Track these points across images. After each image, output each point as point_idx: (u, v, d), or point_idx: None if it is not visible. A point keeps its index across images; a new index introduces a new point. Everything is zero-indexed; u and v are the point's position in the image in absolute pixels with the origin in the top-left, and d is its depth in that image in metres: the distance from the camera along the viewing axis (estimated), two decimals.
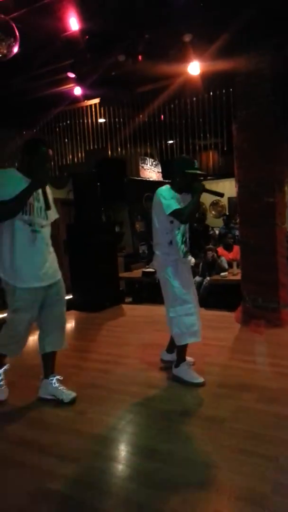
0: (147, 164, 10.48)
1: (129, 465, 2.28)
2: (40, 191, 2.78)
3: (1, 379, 3.03)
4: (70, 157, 6.84)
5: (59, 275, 2.96)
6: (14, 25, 3.41)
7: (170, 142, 6.30)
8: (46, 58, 4.53)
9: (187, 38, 4.13)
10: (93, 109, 5.92)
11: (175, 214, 2.99)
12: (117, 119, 6.02)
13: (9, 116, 5.99)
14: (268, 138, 4.49)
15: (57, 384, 3.00)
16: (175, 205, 2.99)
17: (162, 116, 5.77)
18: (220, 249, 7.89)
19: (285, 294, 4.61)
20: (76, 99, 5.58)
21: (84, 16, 3.83)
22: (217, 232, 10.55)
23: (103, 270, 6.04)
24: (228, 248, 7.85)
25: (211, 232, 10.57)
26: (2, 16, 3.38)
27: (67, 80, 4.92)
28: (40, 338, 3.00)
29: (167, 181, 3.24)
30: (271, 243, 4.54)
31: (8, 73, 4.58)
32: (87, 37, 4.09)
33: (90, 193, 6.20)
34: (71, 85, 5.10)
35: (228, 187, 9.20)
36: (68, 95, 5.38)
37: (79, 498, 1.98)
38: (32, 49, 4.12)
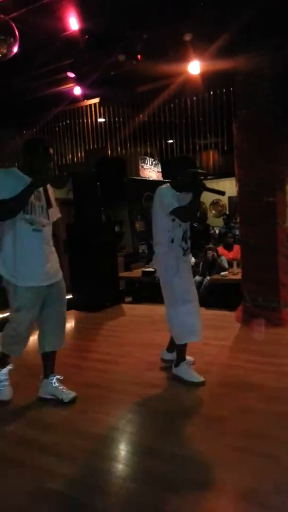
0: (147, 164, 10.48)
1: (129, 464, 2.28)
2: (41, 190, 2.78)
3: (6, 379, 3.02)
4: (70, 156, 6.84)
5: (60, 275, 2.96)
6: (13, 25, 3.41)
7: (170, 141, 6.30)
8: (45, 58, 4.53)
9: (187, 37, 4.13)
10: (93, 109, 5.92)
11: (177, 212, 2.99)
12: (117, 119, 6.02)
13: (9, 116, 5.98)
14: (268, 138, 4.49)
15: (57, 384, 3.00)
16: (176, 204, 2.99)
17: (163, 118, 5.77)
18: (220, 249, 7.89)
19: (286, 294, 4.60)
20: (75, 99, 5.57)
21: (84, 15, 3.83)
22: (217, 231, 10.55)
23: (103, 270, 6.04)
24: (228, 247, 7.85)
25: (212, 232, 10.57)
26: (2, 16, 3.38)
27: (67, 79, 4.92)
28: (40, 338, 3.00)
29: (167, 180, 3.24)
30: (271, 242, 4.54)
31: (8, 73, 4.58)
32: (86, 36, 4.09)
33: (90, 192, 6.21)
34: (71, 84, 5.10)
35: (228, 187, 9.19)
36: (67, 95, 5.38)
37: (79, 498, 1.98)
38: (32, 49, 4.11)
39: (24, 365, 3.32)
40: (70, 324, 5.16)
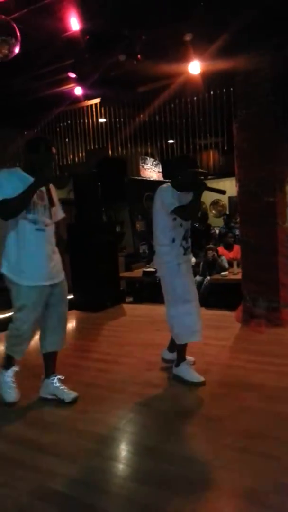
0: (147, 164, 10.48)
1: (129, 464, 2.29)
2: (44, 189, 2.78)
3: (12, 381, 2.98)
4: (71, 157, 6.84)
5: (63, 275, 2.97)
6: (15, 25, 3.41)
7: (171, 141, 6.30)
8: (47, 58, 4.53)
9: (187, 37, 4.13)
10: (94, 109, 5.93)
11: (178, 211, 3.00)
12: (117, 119, 6.02)
13: (10, 116, 5.99)
14: (268, 138, 4.50)
15: (58, 384, 3.01)
16: (177, 203, 3.00)
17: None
18: (221, 249, 7.90)
19: (286, 294, 4.61)
20: (76, 99, 5.58)
21: (85, 16, 3.83)
22: (217, 231, 10.56)
23: (104, 270, 6.05)
24: (229, 247, 7.86)
25: (212, 231, 10.57)
26: (3, 16, 3.38)
27: (68, 80, 4.92)
28: (42, 338, 3.00)
29: (167, 180, 3.25)
30: (271, 242, 4.54)
31: (9, 73, 4.58)
32: (87, 37, 4.09)
33: (90, 193, 6.21)
34: (72, 85, 5.10)
35: (228, 186, 9.19)
36: (68, 95, 5.39)
37: (79, 498, 1.98)
38: (33, 50, 4.12)
39: (25, 365, 3.32)
40: (71, 324, 5.17)
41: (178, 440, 2.45)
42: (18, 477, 2.18)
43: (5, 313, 4.87)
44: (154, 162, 10.73)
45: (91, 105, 5.90)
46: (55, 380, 3.01)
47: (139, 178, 10.13)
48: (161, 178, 10.74)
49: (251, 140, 4.58)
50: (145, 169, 10.40)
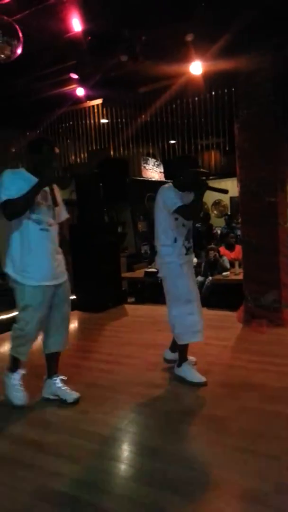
0: (149, 164, 10.49)
1: (132, 464, 2.29)
2: (48, 189, 2.80)
3: (20, 384, 2.96)
4: (73, 157, 6.86)
5: (66, 276, 2.97)
6: (17, 26, 3.42)
7: (172, 142, 6.31)
8: (49, 59, 4.54)
9: (189, 38, 4.14)
10: (96, 110, 5.94)
11: (180, 211, 3.00)
12: (119, 120, 6.04)
13: (12, 116, 6.01)
14: (269, 138, 4.50)
15: (60, 384, 3.01)
16: (179, 202, 3.00)
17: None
18: (222, 249, 7.90)
19: (287, 294, 4.61)
20: (78, 100, 5.60)
21: (87, 17, 3.84)
22: (218, 231, 10.56)
23: (106, 270, 6.05)
24: (230, 247, 7.86)
25: (214, 231, 10.58)
26: (6, 18, 3.39)
27: (70, 81, 4.94)
28: (45, 338, 3.01)
29: (169, 181, 3.25)
30: (273, 242, 4.54)
31: (11, 74, 4.60)
32: (89, 38, 4.10)
33: (92, 193, 6.22)
34: (74, 86, 5.12)
35: (230, 187, 9.19)
36: (70, 96, 5.40)
37: (82, 498, 1.99)
38: (35, 51, 4.13)
39: (27, 365, 3.33)
40: (73, 325, 5.17)
41: (179, 440, 2.46)
42: (20, 477, 2.19)
43: (8, 313, 4.89)
44: (156, 163, 10.73)
45: (93, 106, 5.92)
46: (58, 381, 3.02)
47: (141, 178, 10.13)
48: (163, 179, 10.74)
49: (252, 140, 4.58)
50: (147, 169, 10.41)
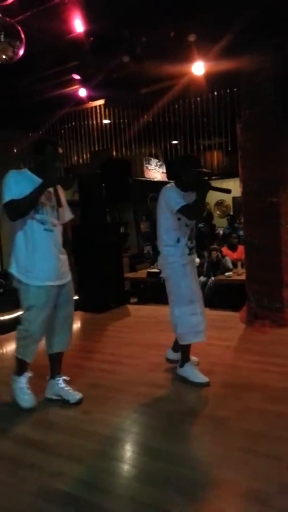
0: (151, 165, 10.48)
1: (134, 465, 2.29)
2: (52, 190, 2.80)
3: (27, 387, 2.95)
4: (75, 158, 6.87)
5: (69, 276, 2.97)
6: (19, 28, 3.43)
7: (175, 142, 6.31)
8: (51, 60, 4.56)
9: (191, 38, 4.14)
10: (98, 110, 5.95)
11: (184, 210, 3.00)
12: (121, 120, 6.04)
13: (15, 117, 6.02)
14: (271, 138, 4.50)
15: (63, 385, 3.02)
16: (183, 202, 3.00)
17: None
18: (225, 249, 7.88)
19: None
20: (81, 101, 5.60)
21: (89, 18, 3.85)
22: (221, 232, 10.55)
23: (108, 271, 6.06)
24: (233, 248, 7.84)
25: (217, 232, 10.58)
26: (8, 19, 3.40)
27: (72, 81, 4.95)
28: (48, 338, 3.00)
29: (171, 181, 3.26)
30: (275, 242, 4.54)
31: (14, 75, 4.61)
32: (91, 39, 4.11)
33: (95, 194, 6.23)
34: (76, 86, 5.13)
35: (232, 187, 9.19)
36: (73, 97, 5.41)
37: (84, 498, 2.00)
38: (38, 52, 4.13)
39: (29, 365, 3.34)
40: (75, 325, 5.16)
41: (182, 440, 2.46)
42: (23, 477, 2.19)
43: (11, 314, 4.91)
44: (158, 163, 10.72)
45: (95, 107, 5.92)
46: (60, 381, 3.02)
47: (143, 179, 10.12)
48: (165, 179, 10.73)
49: (255, 140, 4.58)
50: (149, 170, 10.40)
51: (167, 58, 4.49)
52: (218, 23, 3.96)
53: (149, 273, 7.53)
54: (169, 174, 10.87)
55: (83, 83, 4.92)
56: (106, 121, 6.12)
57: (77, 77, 4.72)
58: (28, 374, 2.97)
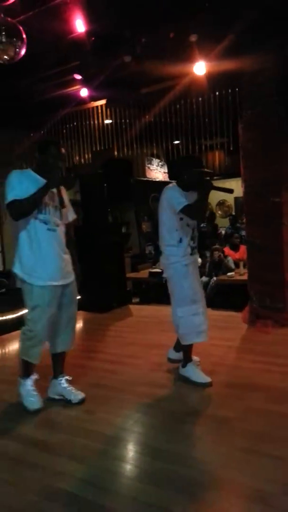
0: (153, 165, 10.49)
1: (137, 464, 2.29)
2: (55, 190, 2.81)
3: (34, 389, 2.93)
4: (77, 158, 6.88)
5: (73, 276, 2.97)
6: (21, 28, 3.44)
7: (176, 142, 6.31)
8: (53, 60, 4.56)
9: (193, 38, 4.14)
10: (100, 110, 5.95)
11: (186, 210, 2.99)
12: (123, 120, 6.04)
13: (16, 117, 6.03)
14: (273, 138, 4.49)
15: (66, 385, 3.02)
16: (185, 202, 2.99)
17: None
18: (227, 249, 7.88)
19: None
20: (82, 101, 5.61)
21: (90, 18, 3.85)
22: (223, 232, 10.55)
23: (110, 271, 6.05)
24: (235, 248, 7.84)
25: (219, 232, 10.57)
26: (10, 19, 3.41)
27: (74, 81, 4.95)
28: (51, 338, 2.99)
29: (173, 181, 3.25)
30: (277, 242, 4.53)
31: (15, 75, 4.62)
32: (93, 39, 4.11)
33: (96, 194, 6.23)
34: (78, 86, 5.14)
35: (234, 187, 9.18)
36: (74, 97, 5.42)
37: (86, 497, 2.00)
38: (39, 52, 4.14)
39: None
40: (78, 325, 5.15)
41: (184, 440, 2.46)
42: (25, 476, 2.20)
43: (14, 313, 4.91)
44: (160, 163, 10.73)
45: (97, 107, 5.93)
46: (63, 381, 3.02)
47: (145, 179, 10.14)
48: (167, 179, 10.74)
49: (257, 141, 4.57)
50: (150, 170, 10.41)
51: (168, 58, 4.49)
52: (220, 23, 3.96)
53: (151, 273, 7.53)
54: (170, 174, 10.88)
55: (85, 83, 4.92)
56: (107, 121, 6.13)
57: (78, 77, 4.73)
58: (34, 377, 2.95)
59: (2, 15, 3.38)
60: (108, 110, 5.94)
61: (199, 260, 3.37)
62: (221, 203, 12.67)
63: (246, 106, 4.63)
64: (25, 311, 2.95)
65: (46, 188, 2.70)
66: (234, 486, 2.00)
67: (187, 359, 3.26)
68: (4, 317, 5.19)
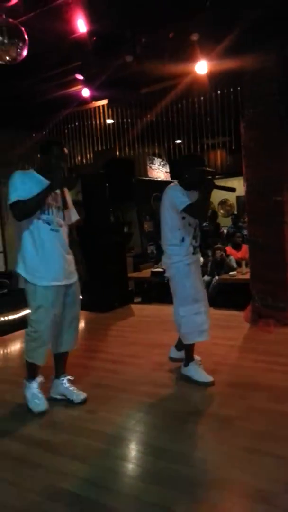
0: (155, 164, 10.49)
1: (139, 464, 2.30)
2: (58, 191, 2.81)
3: (39, 391, 2.92)
4: (79, 158, 6.88)
5: (76, 276, 2.98)
6: (23, 28, 3.44)
7: (178, 141, 6.30)
8: (54, 60, 4.57)
9: (194, 37, 4.14)
10: (101, 110, 5.96)
11: (189, 209, 2.99)
12: (125, 120, 6.05)
13: (18, 118, 6.04)
14: (274, 137, 4.48)
15: (68, 384, 3.02)
16: (188, 201, 2.99)
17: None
18: (229, 248, 7.88)
19: None
20: (84, 101, 5.61)
21: (92, 18, 3.85)
22: (225, 231, 10.54)
23: (112, 271, 6.06)
24: (237, 247, 7.84)
25: (221, 231, 10.57)
26: (11, 20, 3.41)
27: (76, 81, 4.95)
28: (55, 338, 2.99)
29: (175, 180, 3.25)
30: (279, 241, 4.53)
31: (17, 76, 4.62)
32: (94, 39, 4.11)
33: (98, 193, 6.23)
34: (79, 86, 5.14)
35: (236, 186, 9.17)
36: (76, 97, 5.42)
37: (88, 497, 2.00)
38: (41, 52, 4.14)
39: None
40: (80, 324, 5.19)
41: (186, 439, 2.46)
42: (28, 476, 2.20)
43: (16, 314, 4.92)
44: (162, 163, 10.73)
45: (99, 107, 5.93)
46: (65, 381, 3.03)
47: (147, 178, 10.14)
48: (169, 178, 10.74)
49: (258, 139, 4.57)
50: (152, 169, 10.41)
51: (170, 58, 4.48)
52: (220, 23, 3.96)
53: (153, 272, 7.54)
54: (172, 173, 10.88)
55: (86, 83, 4.92)
56: (109, 121, 6.13)
57: (80, 77, 4.73)
58: (39, 379, 2.94)
59: (4, 16, 3.38)
60: (109, 110, 5.95)
61: (201, 259, 3.37)
62: (223, 202, 12.66)
63: (248, 105, 4.63)
64: (27, 311, 2.95)
65: (50, 189, 2.71)
66: (236, 485, 2.01)
67: (189, 358, 3.26)
68: (6, 318, 5.20)
